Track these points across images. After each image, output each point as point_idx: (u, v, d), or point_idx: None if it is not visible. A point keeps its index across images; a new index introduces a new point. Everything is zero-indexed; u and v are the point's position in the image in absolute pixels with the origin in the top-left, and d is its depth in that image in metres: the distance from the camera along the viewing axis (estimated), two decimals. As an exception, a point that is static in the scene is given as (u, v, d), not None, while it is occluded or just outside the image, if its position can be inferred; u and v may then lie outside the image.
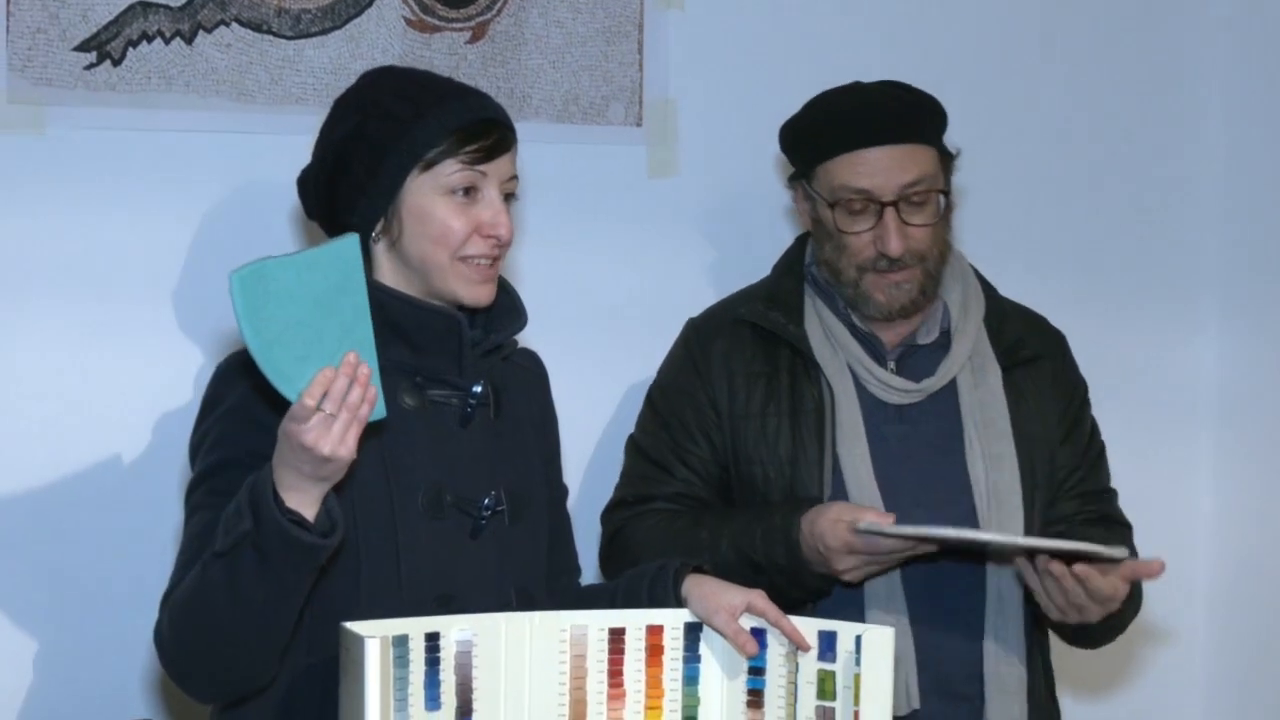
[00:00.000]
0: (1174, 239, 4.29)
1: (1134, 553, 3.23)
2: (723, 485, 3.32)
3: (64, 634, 3.27)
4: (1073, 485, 3.36)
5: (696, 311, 3.71)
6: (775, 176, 3.83)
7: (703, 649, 2.81)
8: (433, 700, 2.63)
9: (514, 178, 2.83)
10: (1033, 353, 3.37)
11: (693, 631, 2.81)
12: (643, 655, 2.80)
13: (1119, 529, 3.36)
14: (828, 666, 2.73)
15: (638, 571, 2.92)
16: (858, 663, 2.71)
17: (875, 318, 3.25)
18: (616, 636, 2.78)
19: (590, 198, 3.66)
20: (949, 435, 3.27)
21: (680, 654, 2.81)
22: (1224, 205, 4.33)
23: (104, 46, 3.25)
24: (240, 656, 2.63)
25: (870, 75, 3.62)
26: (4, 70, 3.19)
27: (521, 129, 2.91)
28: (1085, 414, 3.44)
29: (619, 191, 3.71)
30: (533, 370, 3.06)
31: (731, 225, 3.82)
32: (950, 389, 3.28)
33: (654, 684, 2.80)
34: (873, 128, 3.20)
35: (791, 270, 3.36)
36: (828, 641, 2.72)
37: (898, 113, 3.23)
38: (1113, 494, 3.44)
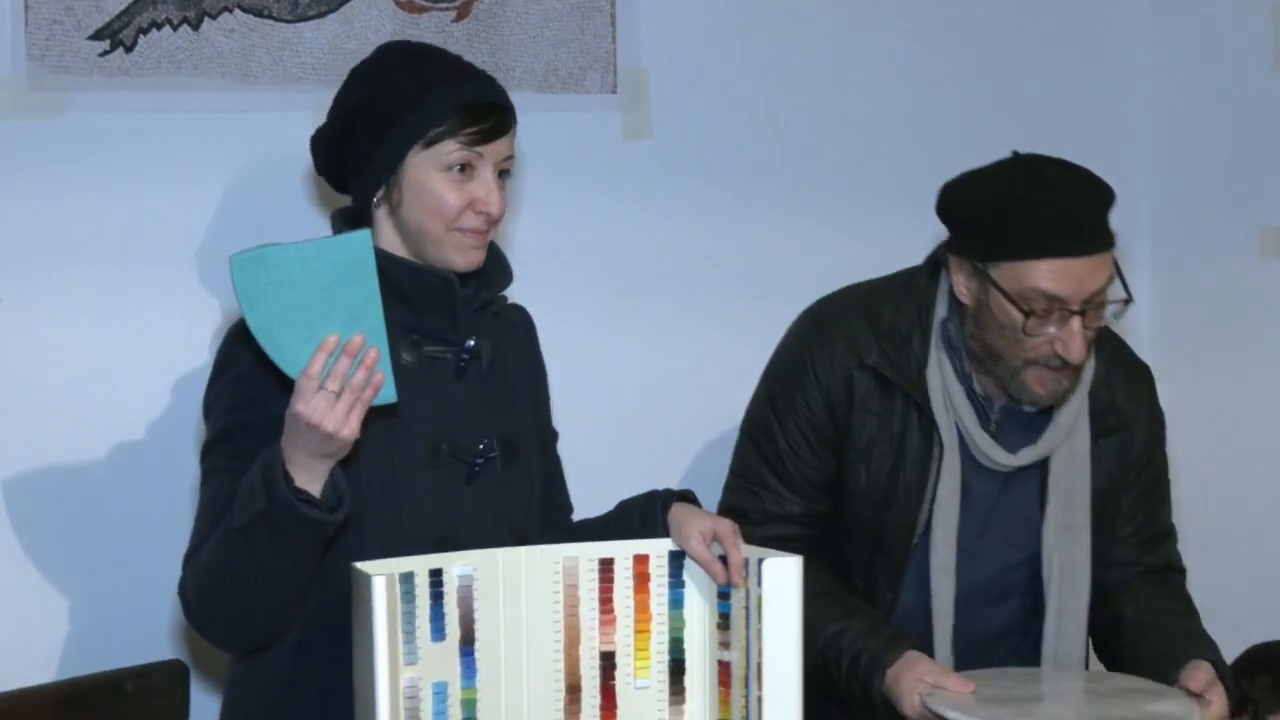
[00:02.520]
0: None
1: (1190, 604, 3.18)
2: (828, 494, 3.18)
3: (95, 583, 3.29)
4: (1132, 531, 3.23)
5: (670, 263, 3.76)
6: (740, 136, 3.85)
7: (686, 575, 2.84)
8: (438, 631, 2.65)
9: (510, 157, 2.84)
10: (1119, 422, 3.18)
11: (676, 560, 2.83)
12: (631, 583, 2.82)
13: (1178, 578, 3.25)
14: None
15: (630, 502, 2.94)
16: (759, 584, 2.73)
17: (1020, 401, 3.05)
18: (606, 566, 2.81)
19: (571, 160, 3.66)
20: (1033, 502, 3.15)
21: (666, 581, 2.83)
22: (1150, 176, 4.37)
23: (116, 35, 3.26)
24: (258, 616, 2.67)
25: (836, 46, 3.64)
26: (24, 59, 3.19)
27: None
28: (1157, 455, 3.27)
29: (597, 154, 3.71)
30: (521, 324, 3.08)
31: (701, 182, 3.83)
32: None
33: (642, 609, 2.83)
34: (1079, 240, 2.93)
35: (921, 319, 3.11)
36: (759, 568, 2.74)
37: (1098, 221, 2.98)
38: (1171, 534, 3.28)
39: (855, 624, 3.02)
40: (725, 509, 3.12)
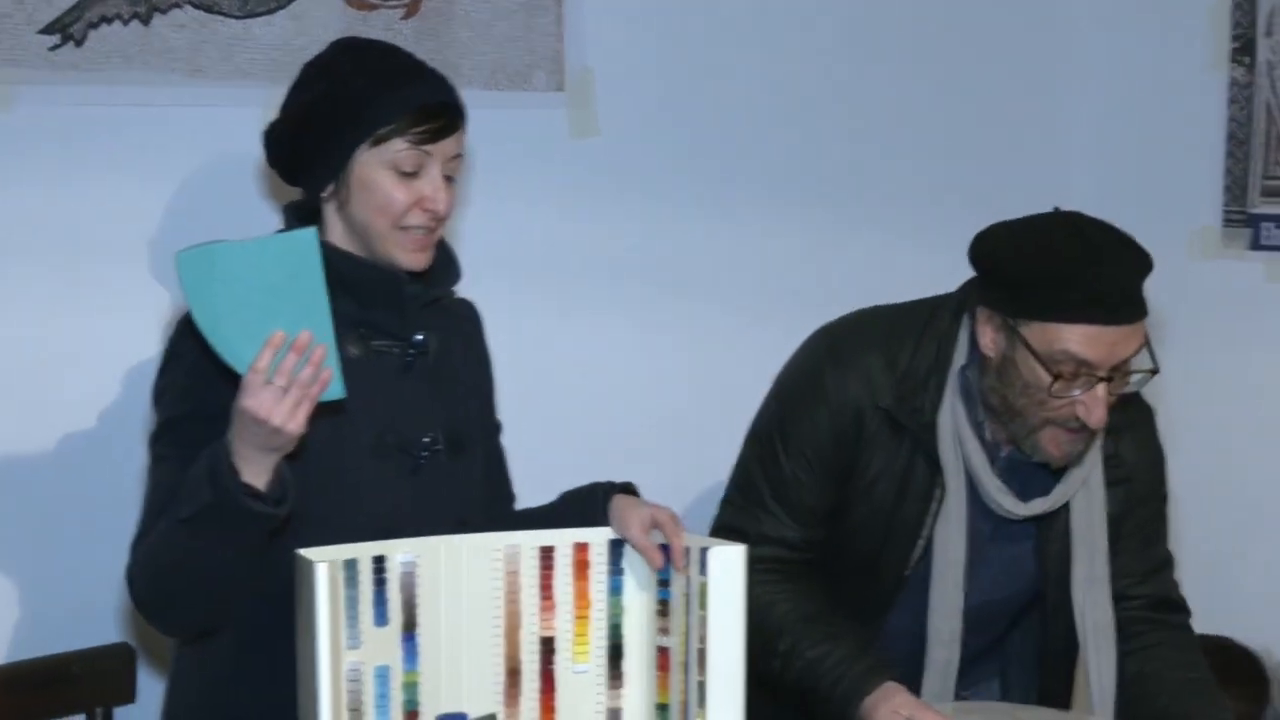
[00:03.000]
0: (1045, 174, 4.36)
1: (1196, 653, 3.12)
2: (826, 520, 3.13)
3: (44, 568, 3.31)
4: (1133, 560, 3.15)
5: (616, 260, 3.77)
6: (686, 134, 3.88)
7: (625, 563, 2.86)
8: (380, 617, 2.68)
9: (458, 156, 2.86)
10: (1125, 474, 3.12)
11: (616, 548, 2.85)
12: (571, 570, 2.84)
13: (1180, 618, 3.18)
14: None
15: (572, 493, 2.97)
16: (702, 572, 2.75)
17: (1032, 457, 2.98)
18: (547, 554, 2.82)
19: (518, 158, 3.68)
20: (1024, 545, 3.11)
21: (605, 568, 2.85)
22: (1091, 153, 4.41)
23: (67, 29, 3.26)
24: (201, 603, 2.70)
25: (780, 46, 3.67)
26: (-27, 53, 3.20)
27: (454, 95, 2.96)
28: (1158, 490, 3.21)
29: (544, 152, 3.72)
30: (468, 317, 3.10)
31: (648, 181, 3.85)
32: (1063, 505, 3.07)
33: (581, 596, 2.85)
34: (1118, 310, 2.84)
35: (940, 363, 3.02)
36: (702, 557, 2.76)
37: (1137, 291, 2.87)
38: (1170, 563, 3.22)
39: (839, 650, 2.98)
40: (722, 526, 3.09)
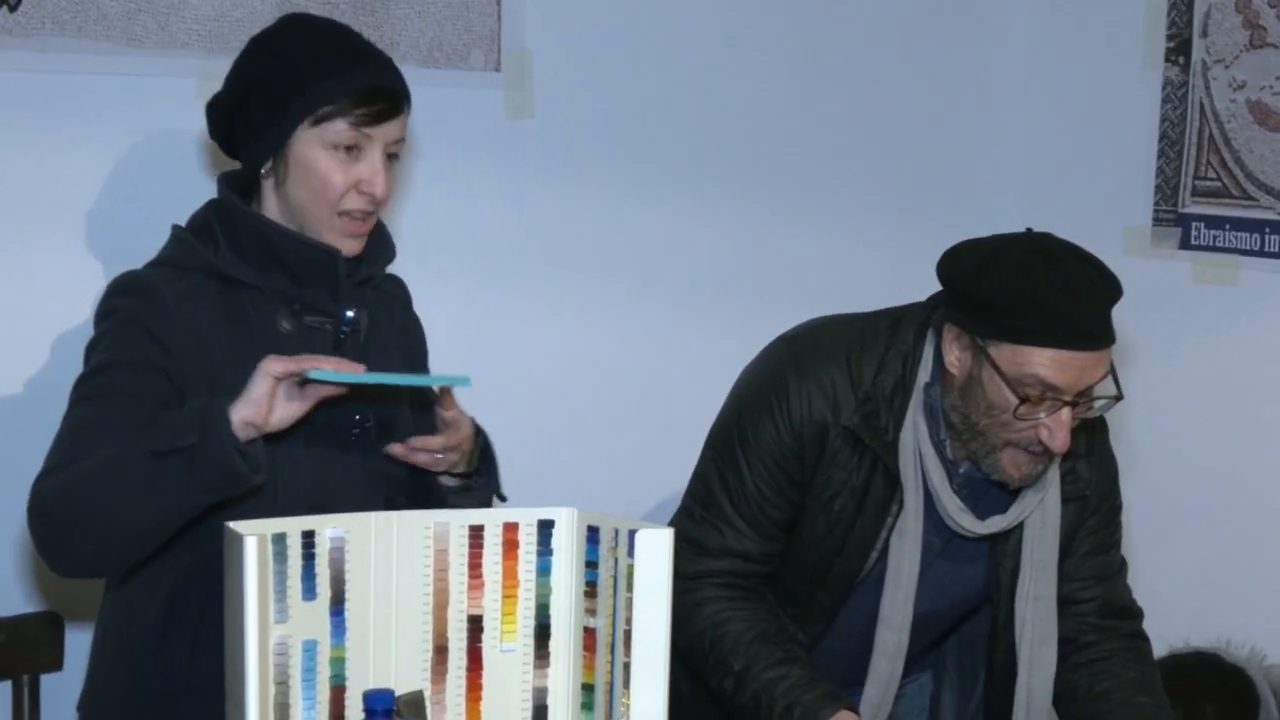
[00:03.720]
0: (979, 170, 4.41)
1: (1141, 639, 3.17)
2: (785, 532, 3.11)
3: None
4: (1086, 565, 3.17)
5: (549, 241, 3.78)
6: (622, 119, 3.89)
7: (554, 544, 2.87)
8: (309, 591, 2.66)
9: (400, 140, 2.86)
10: (1080, 490, 3.12)
11: (545, 528, 2.86)
12: (500, 550, 2.83)
13: (1131, 625, 3.19)
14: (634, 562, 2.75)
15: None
16: (630, 555, 2.74)
17: (990, 477, 2.98)
18: (476, 533, 2.82)
19: (454, 137, 3.67)
20: (972, 560, 3.12)
21: (534, 548, 2.85)
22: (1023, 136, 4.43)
23: (2, -6, 3.25)
24: (120, 542, 2.67)
25: (718, 30, 3.70)
26: (-94, 17, 3.18)
27: (390, 71, 2.96)
28: (1112, 497, 3.21)
29: (480, 131, 3.72)
30: (397, 294, 3.11)
31: (583, 163, 3.85)
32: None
33: (510, 575, 2.85)
34: (1090, 335, 2.84)
35: (905, 381, 3.00)
36: (630, 539, 2.75)
37: (1106, 319, 2.87)
38: (1124, 568, 3.23)
39: (794, 673, 2.98)
40: (682, 538, 2.98)
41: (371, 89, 2.80)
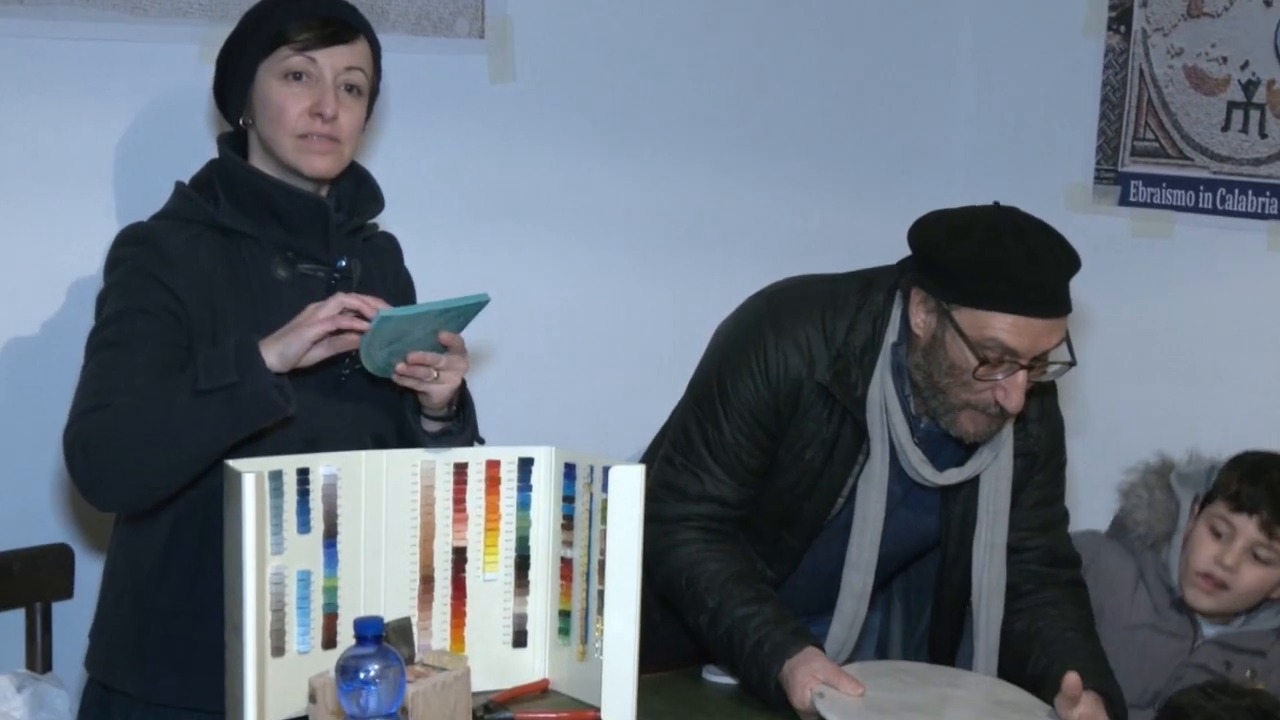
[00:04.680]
0: (932, 132, 4.40)
1: (1079, 586, 3.17)
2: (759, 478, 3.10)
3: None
4: (1031, 517, 3.16)
5: (529, 195, 3.78)
6: (597, 83, 3.87)
7: (533, 480, 2.87)
8: (304, 525, 2.67)
9: (352, 69, 2.85)
10: (1030, 445, 3.12)
11: (525, 465, 2.86)
12: (483, 486, 2.85)
13: (1069, 572, 3.18)
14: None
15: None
16: (604, 490, 2.75)
17: (949, 432, 2.98)
18: (460, 470, 2.83)
19: (440, 99, 3.66)
20: (929, 509, 3.12)
21: (515, 484, 2.86)
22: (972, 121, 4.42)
23: (13, -34, 3.22)
24: (165, 474, 2.68)
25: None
26: (-85, -16, 3.15)
27: (381, 40, 2.95)
28: (1058, 453, 3.21)
29: (465, 94, 3.70)
30: (389, 248, 3.10)
31: (560, 123, 3.83)
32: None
33: (492, 510, 2.86)
34: (1049, 303, 2.84)
35: (874, 340, 3.00)
36: (604, 475, 2.76)
37: (1064, 289, 2.88)
38: (1066, 518, 3.23)
39: (764, 611, 2.96)
40: (662, 484, 3.04)
41: (311, 16, 2.83)
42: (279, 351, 2.64)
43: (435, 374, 2.77)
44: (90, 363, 2.77)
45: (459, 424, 2.90)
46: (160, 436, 2.63)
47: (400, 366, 2.74)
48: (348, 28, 2.86)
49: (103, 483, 2.70)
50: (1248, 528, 3.16)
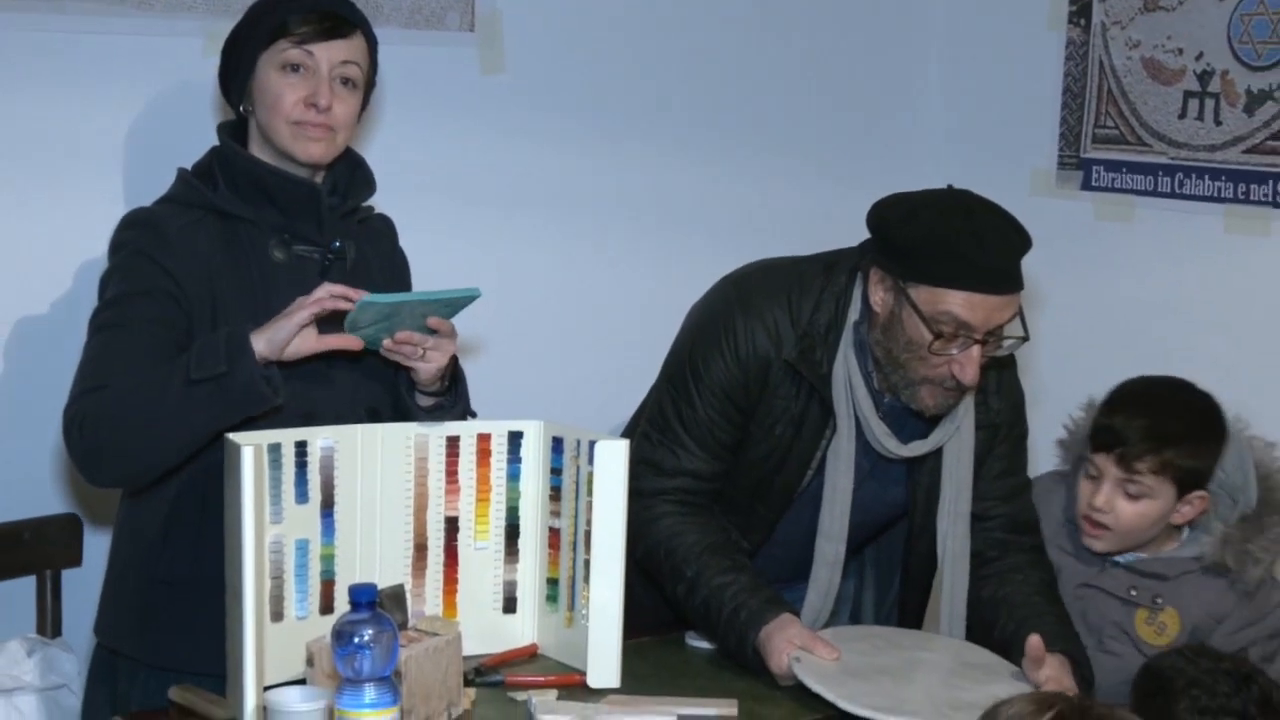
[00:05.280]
0: (903, 121, 4.39)
1: (1041, 552, 3.15)
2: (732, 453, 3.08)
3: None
4: (996, 484, 3.15)
5: (519, 182, 3.78)
6: (584, 73, 3.86)
7: (523, 453, 2.87)
8: (302, 495, 2.67)
9: (348, 63, 2.85)
10: (992, 418, 3.11)
11: (515, 439, 2.86)
12: (474, 458, 2.85)
13: (1031, 539, 3.16)
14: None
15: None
16: (590, 463, 2.76)
17: (909, 406, 2.97)
18: (452, 443, 2.83)
19: (432, 91, 3.64)
20: (895, 481, 3.11)
21: (505, 457, 2.86)
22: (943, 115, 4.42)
23: (24, -38, 3.20)
24: (156, 455, 2.69)
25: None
26: (-58, -19, 3.13)
27: (377, 34, 2.93)
28: (1019, 424, 3.19)
29: (457, 86, 3.69)
30: (384, 230, 3.09)
31: (548, 112, 3.82)
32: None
33: (483, 481, 2.86)
34: (999, 279, 2.83)
35: (838, 319, 2.98)
36: (590, 449, 2.76)
37: (1015, 267, 2.87)
38: (1026, 488, 3.21)
39: (740, 580, 2.95)
40: (641, 459, 2.99)
41: (310, 11, 2.82)
42: (268, 338, 2.63)
43: (422, 352, 2.76)
44: (91, 342, 2.76)
45: (451, 398, 2.89)
46: (153, 421, 2.64)
47: (386, 342, 2.74)
48: (345, 23, 2.86)
49: (97, 461, 2.71)
50: (1109, 466, 3.09)
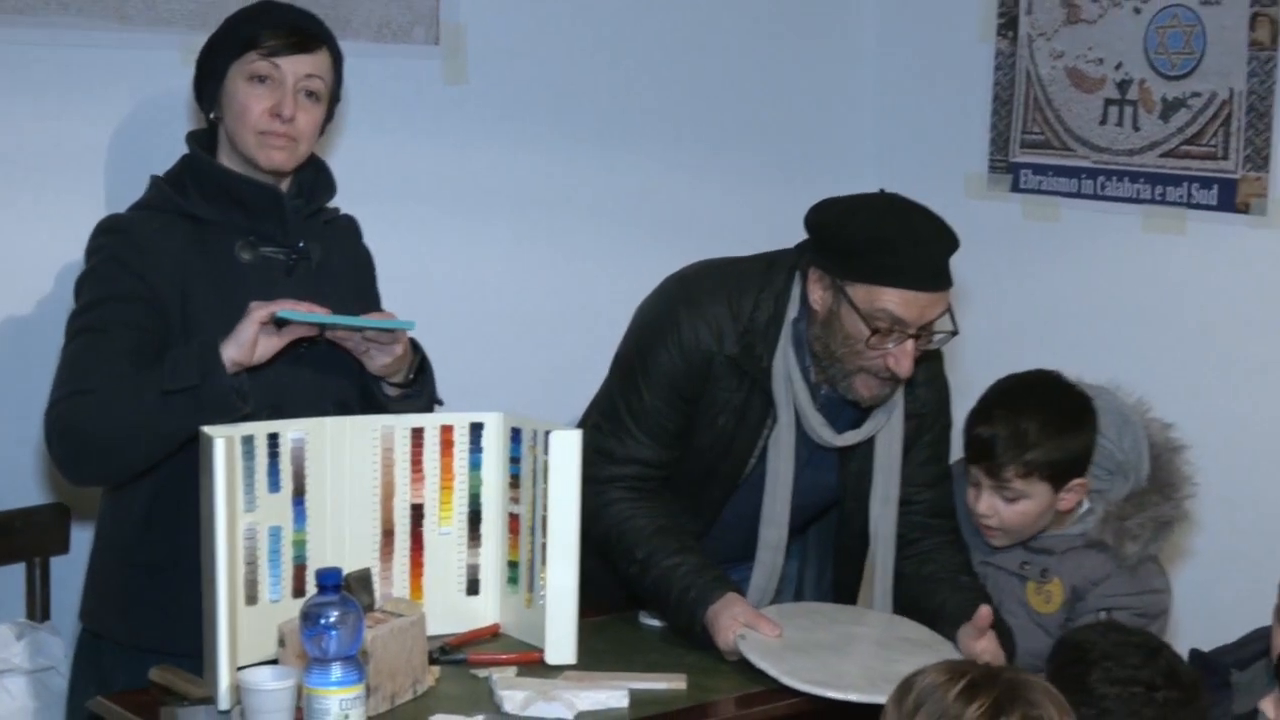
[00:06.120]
0: (841, 128, 4.39)
1: (958, 535, 3.14)
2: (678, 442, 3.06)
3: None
4: (921, 472, 3.14)
5: (480, 186, 3.75)
6: (542, 83, 3.84)
7: (483, 443, 2.85)
8: (274, 485, 2.65)
9: (312, 76, 2.83)
10: (919, 407, 3.10)
11: (476, 430, 2.84)
12: (438, 448, 2.83)
13: (950, 523, 3.16)
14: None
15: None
16: (546, 452, 2.74)
17: (845, 397, 2.97)
18: (417, 434, 2.81)
19: (399, 100, 3.62)
20: (829, 469, 3.08)
21: (467, 447, 2.84)
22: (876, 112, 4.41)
23: (10, -22, 3.16)
24: (131, 459, 2.69)
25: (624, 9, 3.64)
26: (-74, -3, 3.10)
27: (345, 47, 2.92)
28: (944, 415, 3.18)
29: (422, 96, 3.67)
30: (349, 229, 3.07)
31: (508, 121, 3.80)
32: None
33: (446, 470, 2.84)
34: (930, 278, 2.85)
35: (777, 317, 2.97)
36: (546, 439, 2.75)
37: (945, 265, 2.88)
38: (949, 477, 3.20)
39: (689, 561, 2.94)
40: (592, 448, 2.92)
41: (278, 25, 2.81)
42: (236, 342, 2.64)
43: (365, 348, 2.79)
44: (69, 346, 2.75)
45: (416, 389, 2.89)
46: (128, 429, 2.64)
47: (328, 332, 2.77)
48: (311, 38, 2.84)
49: (75, 464, 2.71)
50: (982, 476, 3.11)
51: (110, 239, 2.79)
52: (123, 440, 2.65)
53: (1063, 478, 3.08)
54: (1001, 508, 3.10)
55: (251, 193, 2.82)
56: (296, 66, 2.80)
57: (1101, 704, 2.55)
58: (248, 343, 2.64)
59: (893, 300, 2.83)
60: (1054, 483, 3.07)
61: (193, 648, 2.59)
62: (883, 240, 2.84)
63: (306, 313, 2.68)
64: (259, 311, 2.65)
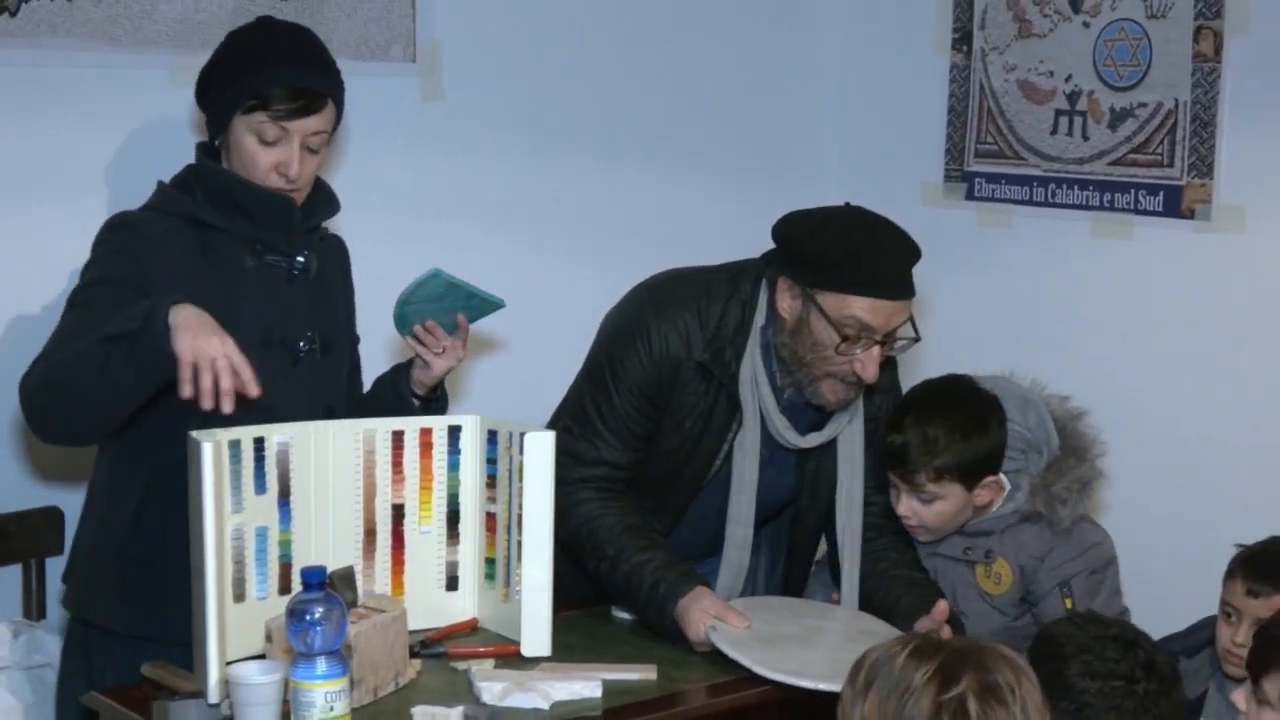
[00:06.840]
0: (803, 139, 4.40)
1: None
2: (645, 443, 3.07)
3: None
4: (871, 476, 3.15)
5: (457, 198, 3.75)
6: (516, 98, 3.84)
7: (461, 445, 2.85)
8: (260, 486, 2.65)
9: (319, 133, 2.81)
10: (876, 410, 3.12)
11: (454, 432, 2.85)
12: (418, 450, 2.84)
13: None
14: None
15: (383, 375, 2.99)
16: (521, 453, 2.75)
17: (811, 402, 2.99)
18: (398, 437, 2.82)
19: (378, 116, 3.60)
20: (789, 470, 3.11)
21: (445, 449, 2.85)
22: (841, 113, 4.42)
23: (2, 2, 3.14)
24: (88, 413, 2.64)
25: (599, 22, 3.70)
26: (-78, 22, 3.08)
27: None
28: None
29: (400, 111, 3.66)
30: (338, 250, 3.08)
31: (483, 134, 3.80)
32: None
33: (426, 471, 2.85)
34: (896, 287, 2.87)
35: (744, 324, 2.98)
36: (520, 440, 2.76)
37: (909, 275, 2.91)
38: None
39: (658, 557, 2.95)
40: (562, 450, 2.90)
41: (290, 88, 2.77)
42: (198, 322, 2.55)
43: (441, 349, 2.81)
44: (59, 324, 2.74)
45: (437, 405, 2.94)
46: (77, 380, 2.59)
47: (417, 328, 2.80)
48: (320, 97, 2.81)
49: (42, 420, 2.69)
50: (898, 481, 3.12)
51: (118, 234, 2.78)
52: (73, 394, 2.59)
53: (974, 477, 3.10)
54: (920, 509, 3.12)
55: (261, 201, 2.80)
56: (305, 125, 2.79)
57: (1081, 698, 2.53)
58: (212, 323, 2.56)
59: (862, 308, 2.85)
60: (966, 483, 3.10)
61: (185, 636, 2.58)
62: (852, 252, 2.86)
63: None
64: (214, 349, 2.54)
